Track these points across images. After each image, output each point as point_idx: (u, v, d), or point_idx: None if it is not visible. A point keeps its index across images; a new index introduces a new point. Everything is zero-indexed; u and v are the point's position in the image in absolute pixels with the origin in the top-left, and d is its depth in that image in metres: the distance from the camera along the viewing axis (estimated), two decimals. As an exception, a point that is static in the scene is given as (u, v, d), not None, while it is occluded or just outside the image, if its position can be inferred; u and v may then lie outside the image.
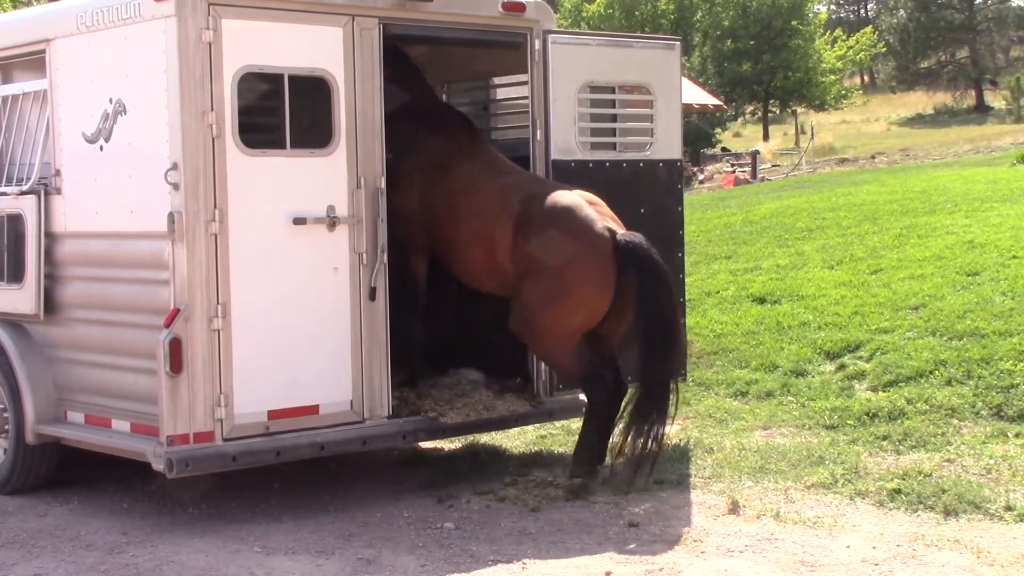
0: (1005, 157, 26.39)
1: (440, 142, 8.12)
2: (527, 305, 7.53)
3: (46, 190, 7.80)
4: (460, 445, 9.12)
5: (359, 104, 7.39)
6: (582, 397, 8.43)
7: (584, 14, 50.80)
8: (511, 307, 7.69)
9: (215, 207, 6.89)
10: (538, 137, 8.05)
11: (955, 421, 8.39)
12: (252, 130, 7.07)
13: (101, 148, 7.38)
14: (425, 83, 8.55)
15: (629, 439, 7.45)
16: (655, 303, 7.39)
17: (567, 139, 8.14)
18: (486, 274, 7.85)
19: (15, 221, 7.94)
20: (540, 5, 8.20)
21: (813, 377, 9.78)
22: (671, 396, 7.47)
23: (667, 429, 7.57)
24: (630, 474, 7.44)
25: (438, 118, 8.34)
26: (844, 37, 56.71)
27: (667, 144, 8.64)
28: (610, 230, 7.43)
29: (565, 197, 7.61)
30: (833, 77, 53.04)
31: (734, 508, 7.16)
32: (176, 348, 6.77)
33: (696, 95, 35.18)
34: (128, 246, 7.25)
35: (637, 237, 7.46)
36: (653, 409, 7.43)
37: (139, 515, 7.53)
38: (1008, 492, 7.07)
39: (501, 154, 8.26)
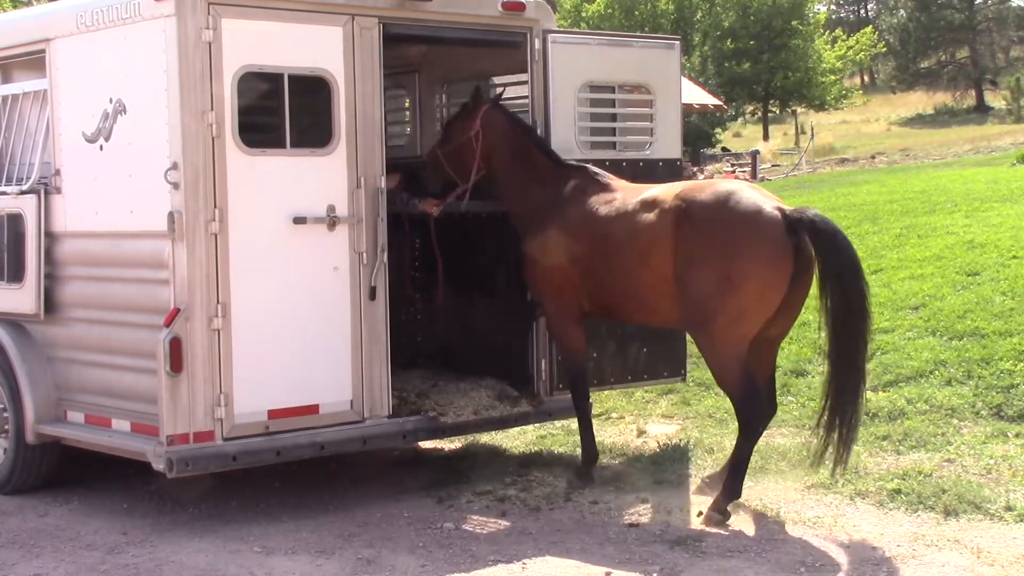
0: (1005, 157, 26.40)
1: (570, 187, 7.68)
2: (700, 299, 6.95)
3: (46, 190, 7.80)
4: (460, 445, 9.12)
5: (359, 104, 7.39)
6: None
7: (584, 14, 50.79)
8: (681, 306, 7.10)
9: (215, 207, 6.88)
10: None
11: (955, 421, 8.39)
12: (252, 130, 7.06)
13: (101, 147, 7.38)
14: (527, 128, 8.04)
15: (823, 433, 6.97)
16: (841, 277, 6.84)
17: (567, 138, 8.13)
18: (659, 296, 7.20)
19: (15, 221, 7.94)
20: (540, 5, 8.19)
21: (813, 377, 9.77)
22: (863, 383, 6.98)
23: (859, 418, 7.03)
24: (840, 459, 6.96)
25: (550, 163, 7.86)
26: (844, 37, 56.70)
27: (667, 143, 8.63)
28: (779, 208, 6.94)
29: (725, 184, 7.30)
30: (833, 77, 53.03)
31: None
32: (176, 348, 6.77)
33: (696, 95, 35.15)
34: (128, 245, 7.24)
35: (810, 211, 6.96)
36: (848, 398, 6.89)
37: (139, 515, 7.53)
38: (1008, 492, 7.07)
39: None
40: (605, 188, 7.64)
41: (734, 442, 8.39)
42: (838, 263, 6.85)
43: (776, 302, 6.93)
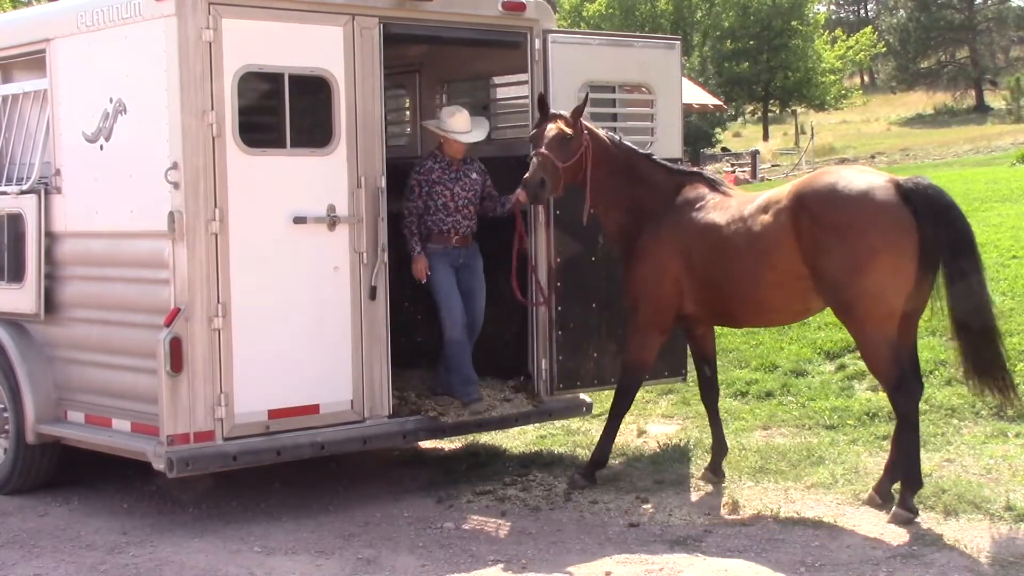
0: (1005, 157, 26.44)
1: (685, 193, 7.63)
2: (838, 286, 6.89)
3: (46, 189, 7.80)
4: (460, 445, 9.12)
5: (359, 103, 7.39)
6: (583, 397, 8.42)
7: (584, 14, 50.79)
8: (819, 289, 7.01)
9: (215, 206, 6.88)
10: (537, 136, 8.04)
11: (955, 421, 8.40)
12: (252, 129, 7.06)
13: (101, 147, 7.38)
14: (632, 149, 7.89)
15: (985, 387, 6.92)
16: (955, 247, 6.77)
17: (567, 139, 8.11)
18: (782, 296, 7.21)
19: (15, 220, 7.94)
20: (540, 4, 8.19)
21: (813, 377, 9.78)
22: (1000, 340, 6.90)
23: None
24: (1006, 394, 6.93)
25: (659, 169, 7.82)
26: (844, 37, 56.69)
27: (667, 143, 8.62)
28: (891, 180, 6.91)
29: (833, 170, 7.30)
30: (833, 77, 53.02)
31: (734, 508, 7.16)
32: (176, 347, 6.76)
33: (696, 95, 35.15)
34: (128, 245, 7.24)
35: (924, 180, 6.94)
36: (990, 355, 6.85)
37: (139, 515, 7.53)
38: (1008, 492, 7.07)
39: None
40: (722, 194, 7.62)
41: (734, 442, 8.42)
42: (950, 234, 6.79)
43: (912, 271, 6.82)
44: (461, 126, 8.10)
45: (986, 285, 6.93)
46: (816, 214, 6.94)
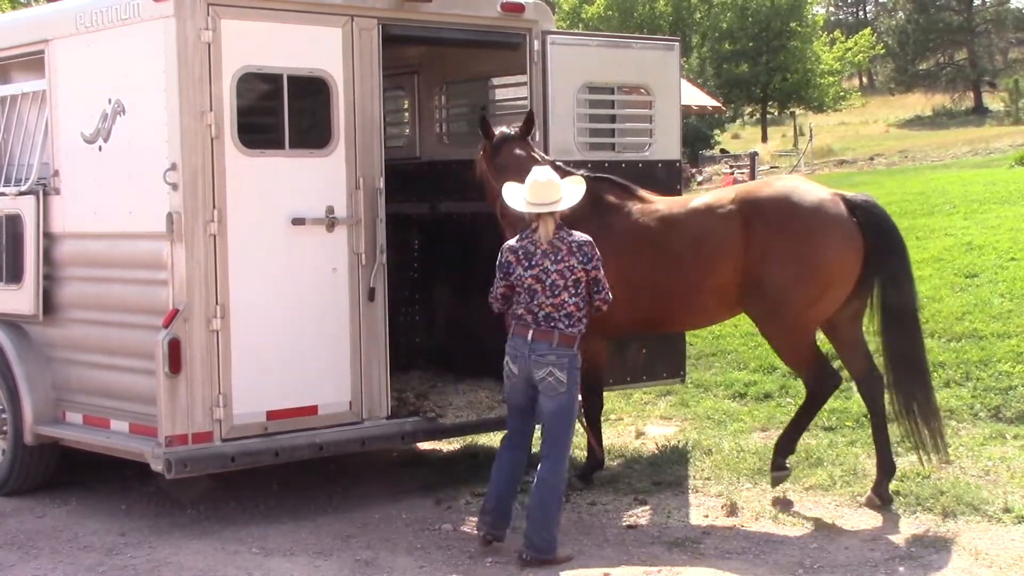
0: (1003, 159, 26.45)
1: (615, 204, 7.54)
2: (778, 290, 7.05)
3: (45, 190, 7.79)
4: (459, 446, 9.11)
5: (358, 104, 7.38)
6: (581, 398, 8.42)
7: (583, 15, 50.79)
8: (749, 294, 7.18)
9: (214, 207, 6.88)
10: (536, 138, 8.03)
11: (953, 423, 8.39)
12: (251, 130, 7.06)
13: (100, 148, 7.37)
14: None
15: (912, 436, 7.21)
16: (895, 263, 7.08)
17: (566, 140, 8.13)
18: (719, 299, 7.33)
19: (13, 221, 7.93)
20: (539, 6, 8.19)
21: (811, 379, 9.77)
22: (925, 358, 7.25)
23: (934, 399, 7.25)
24: (936, 454, 7.21)
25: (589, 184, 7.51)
26: (843, 39, 56.70)
27: (666, 145, 8.64)
28: (838, 194, 7.19)
29: (779, 181, 7.50)
30: (831, 79, 53.03)
31: (732, 510, 7.16)
32: (175, 348, 6.76)
33: (694, 96, 35.13)
34: (127, 246, 7.24)
35: (870, 197, 7.25)
36: (915, 388, 7.13)
37: (137, 516, 7.53)
38: (1006, 494, 7.07)
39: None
40: (640, 199, 7.60)
41: (732, 444, 8.43)
42: (888, 247, 7.07)
43: (852, 281, 7.08)
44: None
45: (918, 312, 7.24)
46: (770, 220, 7.11)
